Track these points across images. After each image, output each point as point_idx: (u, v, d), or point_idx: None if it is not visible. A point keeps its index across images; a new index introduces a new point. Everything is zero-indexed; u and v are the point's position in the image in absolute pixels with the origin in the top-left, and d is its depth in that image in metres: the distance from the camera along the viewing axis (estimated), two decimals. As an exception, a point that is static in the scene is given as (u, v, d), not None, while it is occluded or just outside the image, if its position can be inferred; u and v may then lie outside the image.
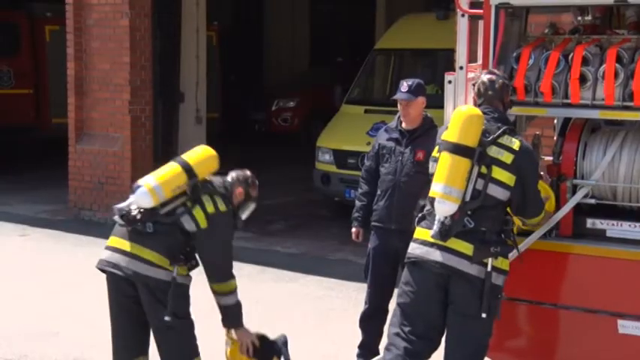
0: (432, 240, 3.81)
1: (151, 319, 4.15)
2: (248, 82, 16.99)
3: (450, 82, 4.23)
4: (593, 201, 3.97)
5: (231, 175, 4.29)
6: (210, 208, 4.10)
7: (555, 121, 4.45)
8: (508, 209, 3.90)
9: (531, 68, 3.95)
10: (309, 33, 18.73)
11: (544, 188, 4.02)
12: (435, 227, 3.79)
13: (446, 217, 3.76)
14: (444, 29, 8.42)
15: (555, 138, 4.30)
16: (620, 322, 3.83)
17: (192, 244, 4.15)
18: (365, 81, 10.34)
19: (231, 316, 4.21)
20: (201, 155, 4.20)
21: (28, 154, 13.18)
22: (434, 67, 9.84)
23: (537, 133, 4.47)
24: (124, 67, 9.34)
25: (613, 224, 3.95)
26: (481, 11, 4.06)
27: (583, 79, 3.81)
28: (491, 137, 3.79)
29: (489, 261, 3.77)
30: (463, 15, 4.23)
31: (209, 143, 4.60)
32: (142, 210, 4.07)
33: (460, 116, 3.81)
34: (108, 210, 4.46)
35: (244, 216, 4.33)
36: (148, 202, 4.05)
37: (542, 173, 4.15)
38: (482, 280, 3.77)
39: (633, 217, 3.94)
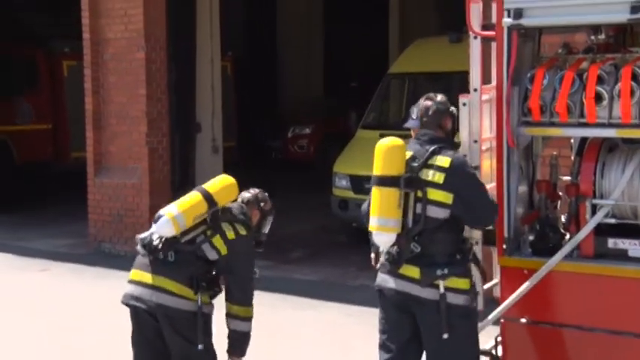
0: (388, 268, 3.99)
1: (173, 351, 4.14)
2: (263, 110, 17.10)
3: (464, 104, 4.23)
4: (613, 220, 3.93)
5: (243, 198, 4.36)
6: (230, 235, 4.16)
7: (572, 140, 4.42)
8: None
9: (546, 88, 3.93)
10: (323, 59, 18.85)
11: None
12: (382, 258, 3.98)
13: (392, 247, 3.92)
14: (457, 52, 8.42)
15: (573, 158, 4.27)
16: (646, 343, 3.77)
17: (215, 271, 4.18)
18: (380, 105, 10.36)
19: (241, 343, 4.22)
20: (221, 184, 4.25)
21: (48, 188, 13.30)
22: (448, 89, 9.74)
23: (554, 153, 4.45)
24: (140, 100, 9.43)
25: (635, 244, 3.90)
26: (494, 33, 4.06)
27: (599, 98, 3.79)
28: (420, 161, 3.93)
29: (440, 283, 3.87)
30: (476, 37, 4.23)
31: (226, 172, 4.64)
32: (163, 239, 4.11)
33: (380, 150, 3.96)
34: (127, 242, 4.51)
35: (266, 229, 4.45)
36: (170, 231, 4.08)
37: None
38: (437, 302, 3.87)
39: (655, 236, 3.89)
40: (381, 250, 4.02)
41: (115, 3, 9.52)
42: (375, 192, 3.93)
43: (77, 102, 10.82)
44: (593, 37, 4.16)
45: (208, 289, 4.15)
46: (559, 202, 4.32)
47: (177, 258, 4.11)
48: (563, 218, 4.24)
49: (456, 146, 4.12)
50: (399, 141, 3.97)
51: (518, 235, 4.13)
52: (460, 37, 9.04)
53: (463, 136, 4.23)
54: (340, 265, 8.43)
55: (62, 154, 13.39)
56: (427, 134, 4.02)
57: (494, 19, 4.06)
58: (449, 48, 9.43)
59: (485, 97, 4.27)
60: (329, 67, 18.77)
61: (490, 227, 4.17)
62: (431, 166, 3.91)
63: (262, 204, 4.39)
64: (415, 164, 3.94)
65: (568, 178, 4.23)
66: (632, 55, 3.95)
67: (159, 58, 9.50)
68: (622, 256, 3.91)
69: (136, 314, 4.20)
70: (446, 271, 3.87)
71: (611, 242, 3.94)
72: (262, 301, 7.14)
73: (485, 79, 4.32)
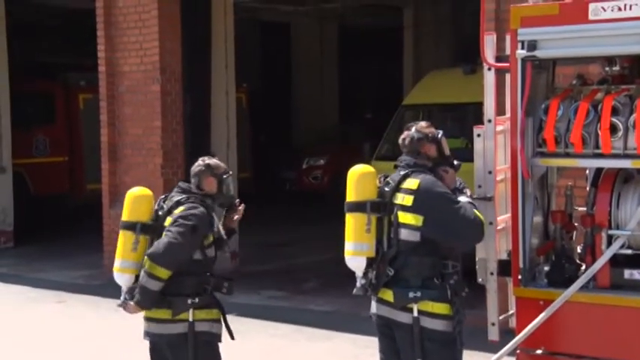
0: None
1: None
2: (278, 142, 17.17)
3: (479, 135, 4.25)
4: (629, 251, 3.91)
5: (193, 172, 4.48)
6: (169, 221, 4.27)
7: (587, 171, 4.42)
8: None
9: (560, 119, 3.94)
10: (338, 90, 18.96)
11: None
12: (358, 283, 4.05)
13: (368, 271, 3.99)
14: (471, 83, 8.46)
15: (588, 188, 4.26)
16: (664, 375, 3.73)
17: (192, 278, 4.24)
18: (394, 137, 10.32)
19: (139, 293, 4.27)
20: (126, 207, 4.42)
21: (63, 220, 13.37)
22: (462, 121, 9.86)
23: (569, 183, 4.44)
24: (155, 132, 9.50)
25: (652, 275, 3.87)
26: (508, 65, 4.08)
27: (614, 129, 3.79)
28: (393, 185, 4.02)
29: (413, 306, 3.90)
30: (490, 69, 4.26)
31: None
32: (132, 286, 4.30)
33: (351, 177, 4.12)
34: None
35: (231, 191, 4.49)
36: (126, 280, 4.35)
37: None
38: (410, 326, 3.91)
39: (672, 267, 3.86)
40: (357, 275, 4.09)
41: (130, 36, 9.65)
42: (348, 218, 4.06)
43: (93, 134, 10.93)
44: (607, 69, 4.17)
45: (193, 298, 4.19)
46: (574, 233, 4.30)
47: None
48: (578, 249, 4.22)
49: (449, 166, 4.10)
50: (369, 168, 4.14)
51: (533, 266, 4.11)
52: (474, 68, 9.09)
53: (478, 166, 4.23)
54: (354, 296, 8.37)
55: (78, 187, 13.49)
56: (404, 160, 4.14)
57: (508, 51, 4.09)
58: (463, 79, 9.47)
59: (499, 128, 4.28)
60: (343, 99, 18.87)
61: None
62: (402, 190, 4.01)
63: (214, 170, 4.44)
64: (387, 189, 4.05)
65: (583, 208, 4.21)
66: (646, 86, 3.95)
67: (174, 90, 9.59)
68: (638, 286, 3.88)
69: (150, 350, 4.39)
70: (419, 294, 3.91)
71: (628, 273, 3.91)
72: (277, 332, 7.14)
73: (500, 110, 4.33)
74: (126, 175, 9.77)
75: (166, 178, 9.46)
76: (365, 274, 4.05)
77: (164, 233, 4.25)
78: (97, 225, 10.06)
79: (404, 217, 3.97)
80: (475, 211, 3.97)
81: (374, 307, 4.16)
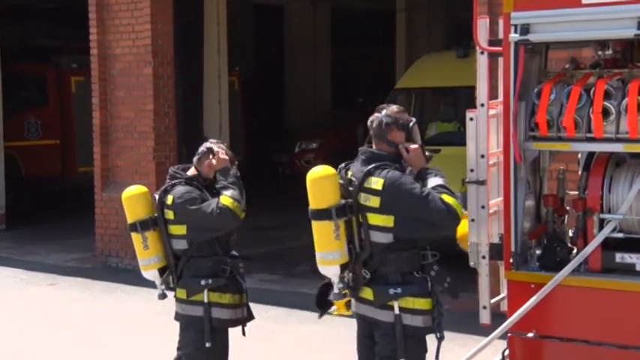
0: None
1: None
2: (270, 125, 17.13)
3: (471, 119, 4.24)
4: (621, 235, 3.92)
5: (197, 152, 4.50)
6: (170, 201, 4.35)
7: (579, 155, 4.43)
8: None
9: (553, 103, 3.94)
10: (330, 74, 18.90)
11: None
12: (335, 289, 3.89)
13: (344, 275, 3.85)
14: (464, 67, 8.45)
15: (580, 172, 4.27)
16: (654, 357, 3.76)
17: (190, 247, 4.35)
18: (386, 121, 10.36)
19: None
20: (127, 207, 4.46)
21: (56, 203, 13.35)
22: (455, 104, 9.87)
23: (561, 167, 4.45)
24: (147, 115, 9.47)
25: (643, 258, 3.89)
26: (500, 48, 4.07)
27: (606, 113, 3.79)
28: (356, 184, 3.82)
29: (394, 303, 3.77)
30: (483, 52, 4.25)
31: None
32: (162, 282, 4.44)
33: (309, 182, 3.86)
34: (134, 256, 4.57)
35: (233, 170, 4.46)
36: (153, 275, 4.42)
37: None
38: (392, 325, 3.78)
39: (663, 251, 3.89)
40: (332, 281, 3.89)
41: (122, 19, 9.59)
42: (313, 226, 3.85)
43: (85, 117, 10.89)
44: (600, 53, 4.16)
45: (210, 278, 4.30)
46: (566, 217, 4.32)
47: (181, 271, 4.40)
48: (570, 233, 4.23)
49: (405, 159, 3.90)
50: (328, 170, 3.86)
51: (525, 250, 4.12)
52: (467, 52, 9.09)
53: (470, 150, 4.23)
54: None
55: (70, 169, 13.46)
56: (367, 152, 3.92)
57: (501, 35, 4.08)
58: (456, 63, 9.47)
59: (492, 112, 4.28)
60: (336, 83, 18.82)
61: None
62: (366, 190, 3.79)
63: (211, 155, 4.46)
64: (351, 188, 3.84)
65: (575, 192, 4.23)
66: (639, 71, 3.96)
67: (166, 74, 9.55)
68: (630, 270, 3.90)
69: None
70: (399, 290, 3.77)
71: (619, 257, 3.93)
72: (268, 315, 7.16)
73: (493, 94, 4.33)
74: (118, 158, 9.75)
75: (158, 161, 9.44)
76: (342, 278, 3.88)
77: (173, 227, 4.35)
78: (90, 208, 10.05)
79: (374, 219, 3.79)
80: (444, 196, 3.77)
81: (354, 305, 4.01)
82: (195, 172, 4.47)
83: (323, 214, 3.80)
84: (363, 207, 3.82)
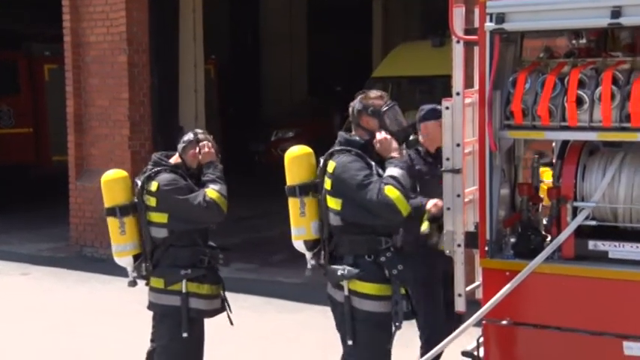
0: None
1: None
2: (247, 114, 17.07)
3: (447, 108, 4.25)
4: (594, 223, 3.96)
5: (182, 140, 4.51)
6: (152, 196, 4.31)
7: (554, 144, 4.46)
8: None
9: (528, 92, 3.96)
10: (307, 63, 18.86)
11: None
12: (309, 265, 4.07)
13: (320, 251, 4.01)
14: (439, 56, 8.49)
15: (554, 161, 4.30)
16: (625, 343, 3.80)
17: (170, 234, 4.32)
18: (363, 110, 10.37)
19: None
20: (103, 192, 4.42)
21: (29, 192, 13.21)
22: (431, 93, 9.89)
23: (536, 156, 4.48)
24: (122, 103, 9.40)
25: (615, 245, 3.93)
26: (476, 37, 4.08)
27: (580, 102, 3.82)
28: (321, 167, 3.99)
29: (345, 284, 3.90)
30: (458, 41, 4.25)
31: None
32: (134, 269, 4.40)
33: (285, 160, 4.11)
34: (109, 246, 4.54)
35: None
36: (127, 262, 4.38)
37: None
38: (342, 305, 3.92)
39: (635, 238, 3.93)
40: (307, 257, 4.11)
41: (96, 6, 9.48)
42: (289, 202, 4.08)
43: (58, 105, 10.77)
44: (574, 42, 4.19)
45: (186, 269, 4.29)
46: (540, 205, 4.35)
47: (156, 258, 4.38)
48: (544, 221, 4.27)
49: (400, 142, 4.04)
50: (304, 150, 4.09)
51: (500, 238, 4.14)
52: (443, 41, 9.12)
53: (446, 139, 4.25)
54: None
55: (43, 158, 13.31)
56: (340, 137, 4.08)
57: (476, 24, 4.09)
58: (432, 52, 9.50)
59: (467, 100, 4.29)
60: (313, 71, 18.78)
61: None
62: (326, 172, 3.98)
63: (199, 144, 4.45)
64: (319, 171, 4.04)
65: (549, 181, 4.26)
66: (612, 60, 3.99)
67: (141, 62, 9.48)
68: (602, 257, 3.94)
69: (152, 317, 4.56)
70: (345, 272, 3.89)
71: (592, 244, 3.97)
72: (245, 304, 7.16)
73: (468, 83, 4.34)
74: (92, 146, 9.67)
75: (133, 150, 9.38)
76: (316, 255, 4.06)
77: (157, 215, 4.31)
78: (64, 197, 9.97)
79: (330, 201, 3.97)
80: (387, 187, 3.86)
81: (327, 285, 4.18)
82: (179, 161, 4.44)
83: (290, 191, 4.06)
84: (323, 189, 3.99)
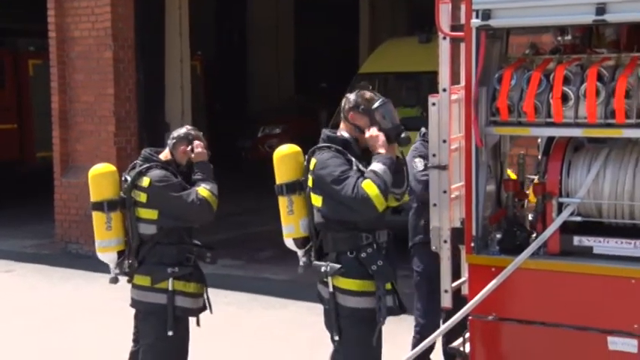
0: None
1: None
2: (233, 110, 17.02)
3: (433, 104, 4.25)
4: (579, 218, 3.98)
5: (173, 136, 4.46)
6: (143, 192, 4.27)
7: (539, 140, 4.47)
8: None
9: (514, 89, 3.97)
10: (293, 59, 18.83)
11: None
12: (300, 262, 4.11)
13: (311, 248, 4.04)
14: (426, 52, 8.49)
15: (540, 157, 4.32)
16: (609, 338, 3.83)
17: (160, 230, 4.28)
18: (349, 106, 10.37)
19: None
20: (90, 186, 4.38)
21: (13, 189, 13.11)
22: (418, 89, 9.91)
23: (522, 152, 4.50)
24: (108, 99, 9.35)
25: (600, 241, 3.96)
26: (462, 34, 4.09)
27: (565, 98, 3.83)
28: (305, 164, 4.03)
29: (329, 280, 3.93)
30: (445, 38, 4.26)
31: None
32: (116, 266, 4.35)
33: (274, 159, 4.15)
34: (94, 243, 4.50)
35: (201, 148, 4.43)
36: (110, 258, 4.33)
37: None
38: (328, 301, 3.96)
39: (619, 234, 3.95)
40: (298, 255, 4.14)
41: (81, 1, 9.43)
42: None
43: (43, 101, 10.70)
44: (559, 38, 4.21)
45: (173, 267, 4.26)
46: (526, 201, 4.36)
47: (142, 256, 4.34)
48: (530, 217, 4.28)
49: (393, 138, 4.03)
50: (292, 149, 4.12)
51: (486, 234, 4.16)
52: (429, 37, 9.11)
53: (432, 135, 4.25)
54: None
55: (28, 154, 13.22)
56: (323, 134, 4.10)
57: (462, 20, 4.09)
58: (418, 48, 9.50)
59: (454, 97, 4.30)
60: (299, 67, 18.76)
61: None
62: (309, 170, 4.02)
63: (187, 143, 4.43)
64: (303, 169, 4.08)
65: (535, 177, 4.27)
66: (597, 56, 4.00)
67: (127, 57, 9.43)
68: (587, 253, 3.96)
69: (135, 315, 4.52)
70: (328, 268, 3.92)
71: (577, 240, 3.99)
72: (231, 300, 7.15)
73: (455, 79, 4.35)
74: (77, 142, 9.62)
75: (119, 146, 9.34)
76: (307, 252, 4.08)
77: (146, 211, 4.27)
78: (48, 194, 9.90)
79: (312, 198, 3.99)
80: (365, 182, 3.86)
81: None
82: (169, 157, 4.41)
83: (278, 190, 4.09)
84: (307, 186, 4.01)
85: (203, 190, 4.27)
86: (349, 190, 3.86)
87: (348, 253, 3.94)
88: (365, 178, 3.90)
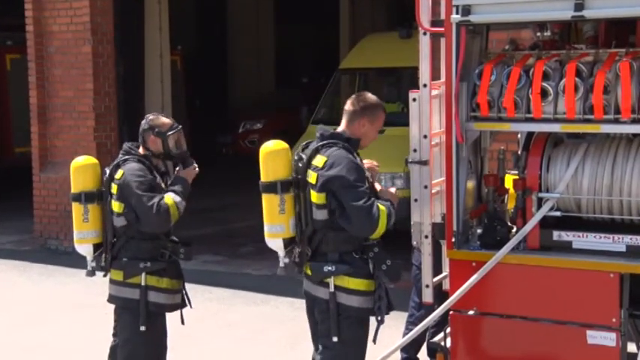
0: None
1: None
2: (214, 105, 16.96)
3: (414, 99, 4.26)
4: (558, 213, 4.01)
5: (139, 132, 4.44)
6: (119, 175, 4.27)
7: (519, 135, 4.50)
8: None
9: (494, 84, 3.99)
10: (274, 54, 18.78)
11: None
12: (281, 263, 3.99)
13: (293, 249, 3.94)
14: (407, 48, 8.50)
15: (519, 152, 4.35)
16: (588, 332, 3.87)
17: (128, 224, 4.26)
18: (331, 101, 10.39)
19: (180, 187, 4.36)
20: (71, 178, 4.38)
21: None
22: (398, 85, 9.92)
23: (502, 147, 4.52)
24: (87, 94, 9.28)
25: (579, 236, 3.99)
26: (442, 29, 4.10)
27: (544, 94, 3.86)
28: (305, 161, 3.92)
29: (329, 281, 3.85)
30: (425, 33, 4.27)
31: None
32: (93, 258, 4.33)
33: (261, 155, 4.01)
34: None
35: (182, 147, 4.44)
36: (86, 250, 4.32)
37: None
38: (327, 302, 3.87)
39: (598, 229, 3.99)
40: (279, 255, 4.01)
41: (59, -5, 9.34)
42: (263, 198, 3.97)
43: (21, 96, 10.59)
44: (539, 34, 4.24)
45: (146, 262, 4.24)
46: (506, 196, 4.39)
47: (118, 250, 4.33)
48: (510, 211, 4.31)
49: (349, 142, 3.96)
50: (280, 145, 3.99)
51: (466, 229, 4.18)
52: (410, 32, 9.13)
53: (413, 130, 4.26)
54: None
55: (6, 150, 13.08)
56: (320, 130, 4.03)
57: (443, 16, 4.10)
58: (399, 44, 9.50)
59: (434, 92, 4.31)
60: (280, 62, 18.72)
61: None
62: (311, 167, 3.90)
63: (157, 128, 4.39)
64: (300, 165, 3.94)
65: (515, 172, 4.30)
66: (576, 52, 4.03)
67: (106, 52, 9.36)
68: (566, 248, 4.00)
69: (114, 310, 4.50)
70: (333, 268, 3.85)
71: (556, 235, 4.02)
72: (213, 296, 7.14)
73: (435, 74, 4.36)
74: (56, 138, 9.54)
75: (99, 141, 9.27)
76: (290, 252, 3.97)
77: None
78: (27, 189, 9.81)
79: (313, 196, 3.87)
80: (382, 210, 3.83)
81: (303, 283, 4.12)
82: (146, 152, 4.39)
83: (270, 188, 3.93)
84: (308, 183, 3.90)
85: (169, 198, 4.22)
86: (360, 203, 3.77)
87: (354, 253, 3.89)
88: (380, 202, 3.85)
